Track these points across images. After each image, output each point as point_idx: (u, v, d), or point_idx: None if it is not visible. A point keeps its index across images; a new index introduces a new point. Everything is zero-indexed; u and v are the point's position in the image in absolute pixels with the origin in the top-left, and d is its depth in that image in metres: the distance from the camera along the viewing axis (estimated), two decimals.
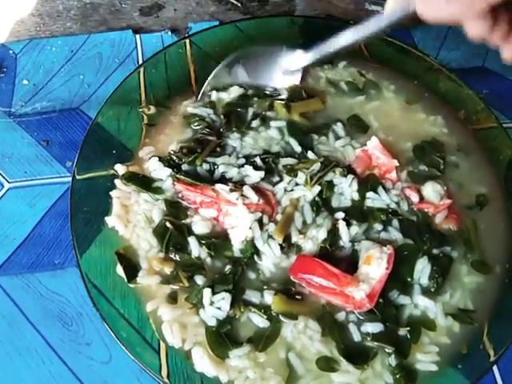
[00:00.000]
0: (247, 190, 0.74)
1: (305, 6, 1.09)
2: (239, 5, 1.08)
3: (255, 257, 0.72)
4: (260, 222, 0.73)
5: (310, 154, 0.80)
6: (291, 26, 0.96)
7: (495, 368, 0.73)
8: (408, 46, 0.94)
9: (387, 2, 0.66)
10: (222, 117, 0.83)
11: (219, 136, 0.82)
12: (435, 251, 0.74)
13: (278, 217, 0.74)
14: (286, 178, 0.77)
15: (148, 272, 0.71)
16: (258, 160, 0.78)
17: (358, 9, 1.01)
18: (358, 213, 0.75)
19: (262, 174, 0.76)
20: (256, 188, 0.75)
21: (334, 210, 0.75)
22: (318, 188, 0.76)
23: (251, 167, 0.77)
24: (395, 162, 0.79)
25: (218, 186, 0.74)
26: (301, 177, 0.76)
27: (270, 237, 0.72)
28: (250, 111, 0.85)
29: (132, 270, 0.71)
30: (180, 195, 0.76)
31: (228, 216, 0.74)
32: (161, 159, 0.78)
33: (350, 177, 0.77)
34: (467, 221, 0.78)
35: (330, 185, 0.77)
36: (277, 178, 0.78)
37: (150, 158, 0.79)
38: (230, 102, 0.85)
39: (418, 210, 0.77)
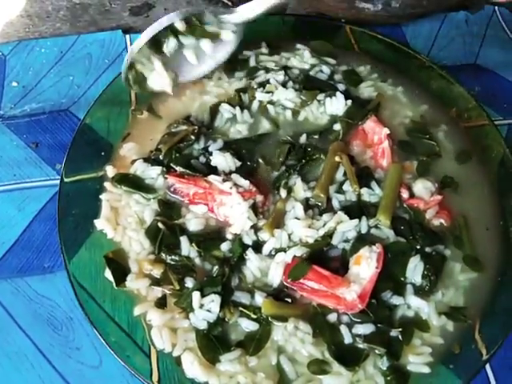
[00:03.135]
0: (238, 179, 0.74)
1: (296, 4, 1.08)
2: (230, 4, 1.08)
3: (245, 255, 0.72)
4: (254, 208, 0.73)
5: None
6: (282, 24, 0.96)
7: (488, 366, 0.73)
8: (399, 43, 0.94)
9: None
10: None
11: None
12: (428, 249, 0.73)
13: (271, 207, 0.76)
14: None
15: (137, 276, 0.70)
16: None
17: (349, 7, 1.00)
18: (355, 209, 0.75)
19: (238, 163, 0.78)
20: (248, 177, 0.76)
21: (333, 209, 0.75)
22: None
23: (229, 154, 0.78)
24: (386, 130, 0.81)
25: (211, 177, 0.74)
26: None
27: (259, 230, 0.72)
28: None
29: (121, 273, 0.70)
30: (172, 189, 0.76)
31: (222, 206, 0.73)
32: (146, 159, 0.78)
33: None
34: (458, 218, 0.77)
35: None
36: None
37: (133, 161, 0.79)
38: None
39: (408, 207, 0.77)
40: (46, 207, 0.82)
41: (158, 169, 0.77)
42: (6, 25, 1.02)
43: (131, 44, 0.99)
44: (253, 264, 0.71)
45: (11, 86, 0.94)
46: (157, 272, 0.71)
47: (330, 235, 0.72)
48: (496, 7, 1.09)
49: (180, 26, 0.79)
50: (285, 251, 0.70)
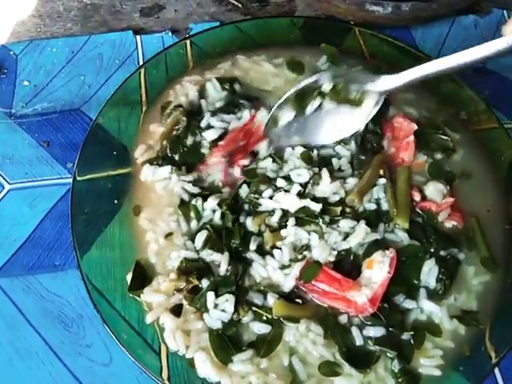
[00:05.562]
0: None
1: (305, 6, 1.09)
2: (240, 5, 1.08)
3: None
4: None
5: None
6: (292, 26, 0.96)
7: (496, 370, 0.73)
8: (408, 46, 0.94)
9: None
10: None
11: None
12: (442, 253, 0.73)
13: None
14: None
15: (155, 291, 0.70)
16: None
17: (359, 9, 1.00)
18: (373, 216, 0.75)
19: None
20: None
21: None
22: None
23: None
24: (414, 126, 0.82)
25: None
26: None
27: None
28: None
29: (140, 281, 0.70)
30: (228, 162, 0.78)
31: None
32: (151, 162, 0.79)
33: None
34: (471, 220, 0.77)
35: None
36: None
37: (143, 162, 0.79)
38: None
39: (421, 210, 0.77)
40: (57, 205, 0.82)
41: (167, 168, 0.77)
42: (17, 24, 1.03)
43: (142, 45, 1.00)
44: (258, 265, 0.71)
45: (23, 84, 0.94)
46: (180, 284, 0.70)
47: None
48: (505, 11, 1.09)
49: (328, 87, 0.78)
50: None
